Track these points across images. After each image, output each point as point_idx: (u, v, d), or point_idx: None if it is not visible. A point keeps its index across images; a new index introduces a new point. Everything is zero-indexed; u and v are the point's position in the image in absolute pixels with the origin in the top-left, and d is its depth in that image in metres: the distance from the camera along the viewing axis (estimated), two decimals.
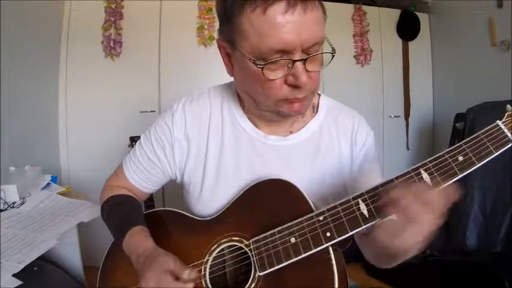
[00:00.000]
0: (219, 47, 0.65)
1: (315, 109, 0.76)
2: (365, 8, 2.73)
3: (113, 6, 2.21)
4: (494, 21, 2.26)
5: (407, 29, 2.84)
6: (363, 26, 2.71)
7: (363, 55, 2.72)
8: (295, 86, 0.59)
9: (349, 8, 2.71)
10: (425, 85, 2.92)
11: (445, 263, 1.76)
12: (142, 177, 0.78)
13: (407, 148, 2.88)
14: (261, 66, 0.56)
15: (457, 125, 2.25)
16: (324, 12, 0.58)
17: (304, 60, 0.56)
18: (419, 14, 2.84)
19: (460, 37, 2.59)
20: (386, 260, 0.62)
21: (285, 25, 0.53)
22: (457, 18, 2.62)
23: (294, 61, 0.56)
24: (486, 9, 2.30)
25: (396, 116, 2.85)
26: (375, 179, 0.67)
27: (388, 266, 0.63)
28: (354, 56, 2.72)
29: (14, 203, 1.29)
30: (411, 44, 2.86)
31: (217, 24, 0.66)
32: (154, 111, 2.28)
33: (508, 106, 0.57)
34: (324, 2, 0.59)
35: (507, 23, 2.15)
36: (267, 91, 0.60)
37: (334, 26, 2.54)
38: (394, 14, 2.83)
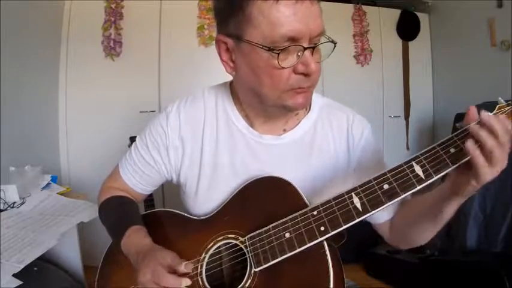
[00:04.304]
0: (219, 43, 0.65)
1: (308, 107, 0.76)
2: (365, 8, 2.73)
3: (113, 6, 2.21)
4: (494, 21, 2.26)
5: (407, 29, 2.84)
6: (363, 26, 2.71)
7: (363, 55, 2.72)
8: (303, 75, 0.60)
9: (349, 8, 2.71)
10: (425, 85, 2.93)
11: (445, 263, 1.76)
12: (138, 178, 0.79)
13: (408, 148, 2.88)
14: (277, 52, 0.57)
15: (457, 125, 2.21)
16: (321, 8, 0.61)
17: (312, 49, 0.59)
18: (419, 14, 2.84)
19: (460, 37, 2.59)
20: (427, 225, 0.65)
21: (296, 14, 0.56)
22: (457, 18, 2.62)
23: (305, 48, 0.58)
24: (486, 9, 2.30)
25: (396, 116, 2.85)
26: (381, 169, 0.68)
27: (419, 239, 0.68)
28: (354, 56, 2.72)
29: (14, 203, 1.29)
30: (411, 44, 2.86)
31: None
32: (154, 111, 2.28)
33: (500, 99, 0.58)
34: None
35: (507, 23, 2.15)
36: (275, 80, 0.61)
37: (334, 26, 2.52)
38: (394, 14, 2.83)
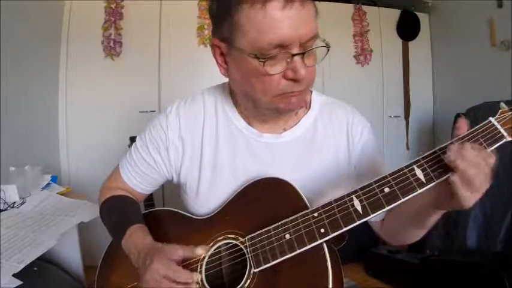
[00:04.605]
0: (214, 47, 0.65)
1: (308, 105, 0.76)
2: (365, 8, 2.73)
3: (113, 6, 2.21)
4: (494, 21, 2.26)
5: (407, 29, 2.84)
6: (363, 26, 2.71)
7: (363, 55, 2.72)
8: (293, 80, 0.59)
9: (349, 8, 2.71)
10: (425, 85, 2.93)
11: (445, 263, 1.76)
12: (139, 178, 0.79)
13: (408, 148, 2.88)
14: (263, 61, 0.57)
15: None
16: (316, 9, 0.60)
17: (302, 54, 0.57)
18: (419, 14, 2.84)
19: (460, 37, 2.59)
20: (413, 229, 0.66)
21: (283, 20, 0.54)
22: (457, 18, 2.62)
23: (293, 55, 0.57)
24: (486, 9, 2.30)
25: (396, 116, 2.85)
26: (379, 169, 0.68)
27: (414, 238, 0.68)
28: (354, 56, 2.72)
29: (14, 203, 1.29)
30: (411, 44, 2.86)
31: None
32: (154, 111, 2.28)
33: (502, 103, 0.58)
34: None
35: (507, 23, 2.15)
36: (266, 86, 0.60)
37: (334, 26, 2.54)
38: (394, 14, 2.83)
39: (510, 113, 0.56)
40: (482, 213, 1.84)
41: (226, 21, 0.59)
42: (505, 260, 1.62)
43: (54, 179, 1.58)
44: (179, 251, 0.60)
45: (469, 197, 0.50)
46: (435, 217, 0.60)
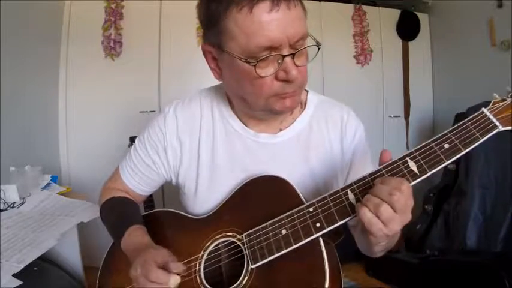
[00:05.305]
0: (205, 52, 0.66)
1: (303, 105, 0.77)
2: (365, 8, 2.73)
3: (113, 6, 2.21)
4: (494, 21, 2.26)
5: (407, 29, 2.84)
6: (363, 26, 2.71)
7: (363, 55, 2.71)
8: (286, 81, 0.60)
9: (349, 8, 2.71)
10: (425, 85, 2.92)
11: (445, 263, 1.76)
12: (138, 179, 0.79)
13: (407, 148, 2.87)
14: (254, 64, 0.57)
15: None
16: (304, 9, 0.61)
17: (293, 55, 0.58)
18: (419, 14, 2.84)
19: (460, 37, 2.59)
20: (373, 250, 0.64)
21: (271, 23, 0.55)
22: (457, 18, 2.61)
23: (284, 56, 0.58)
24: (486, 9, 2.30)
25: (396, 116, 2.85)
26: (367, 169, 0.68)
27: (376, 255, 0.66)
28: (354, 56, 2.72)
29: (14, 203, 1.29)
30: (411, 44, 2.86)
31: None
32: (154, 111, 2.28)
33: (495, 94, 0.59)
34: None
35: (507, 23, 2.15)
36: (258, 89, 0.61)
37: (334, 26, 2.54)
38: (394, 14, 2.83)
39: (503, 103, 0.56)
40: (482, 213, 1.84)
41: (215, 27, 0.60)
42: (505, 260, 1.62)
43: (54, 179, 1.58)
44: (161, 256, 0.58)
45: (382, 231, 0.50)
46: (380, 247, 0.59)
